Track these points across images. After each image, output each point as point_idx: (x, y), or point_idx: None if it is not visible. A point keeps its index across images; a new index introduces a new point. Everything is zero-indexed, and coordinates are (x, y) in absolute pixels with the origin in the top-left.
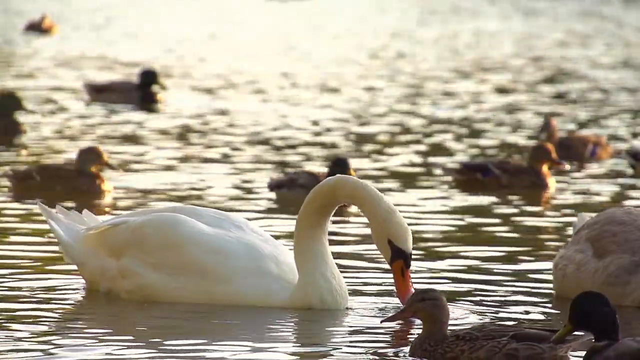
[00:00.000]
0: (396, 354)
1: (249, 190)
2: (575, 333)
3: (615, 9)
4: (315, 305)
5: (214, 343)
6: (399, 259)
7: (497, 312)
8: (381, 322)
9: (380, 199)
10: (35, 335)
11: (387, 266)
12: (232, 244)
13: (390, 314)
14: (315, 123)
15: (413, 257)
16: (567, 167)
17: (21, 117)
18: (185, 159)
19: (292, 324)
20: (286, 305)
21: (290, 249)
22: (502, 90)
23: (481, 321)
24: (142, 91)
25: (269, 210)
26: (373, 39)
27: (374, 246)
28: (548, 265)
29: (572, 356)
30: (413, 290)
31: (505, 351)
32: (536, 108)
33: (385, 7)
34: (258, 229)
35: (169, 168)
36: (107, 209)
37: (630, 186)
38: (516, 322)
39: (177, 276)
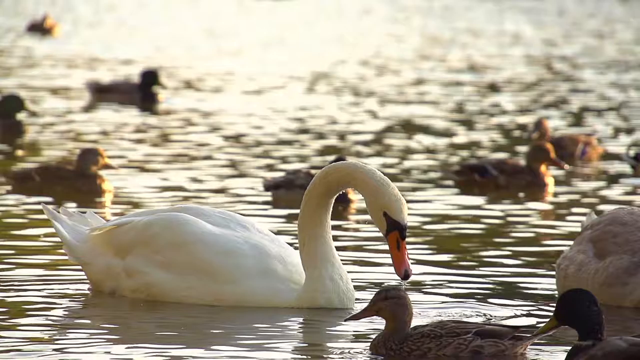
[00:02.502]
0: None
1: (247, 190)
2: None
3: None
4: (322, 306)
5: (217, 343)
6: (395, 231)
7: (496, 313)
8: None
9: (374, 172)
10: (38, 336)
11: (389, 263)
12: (239, 244)
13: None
14: (312, 123)
15: (412, 258)
16: (567, 167)
17: (22, 118)
18: (183, 159)
19: (297, 324)
20: (292, 306)
21: (297, 249)
22: (496, 90)
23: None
24: (143, 91)
25: (268, 211)
26: (369, 39)
27: (375, 244)
28: (548, 265)
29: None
30: (409, 262)
31: (471, 348)
32: (529, 107)
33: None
34: (264, 229)
35: (167, 169)
36: (107, 210)
37: (629, 186)
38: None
39: (183, 276)
